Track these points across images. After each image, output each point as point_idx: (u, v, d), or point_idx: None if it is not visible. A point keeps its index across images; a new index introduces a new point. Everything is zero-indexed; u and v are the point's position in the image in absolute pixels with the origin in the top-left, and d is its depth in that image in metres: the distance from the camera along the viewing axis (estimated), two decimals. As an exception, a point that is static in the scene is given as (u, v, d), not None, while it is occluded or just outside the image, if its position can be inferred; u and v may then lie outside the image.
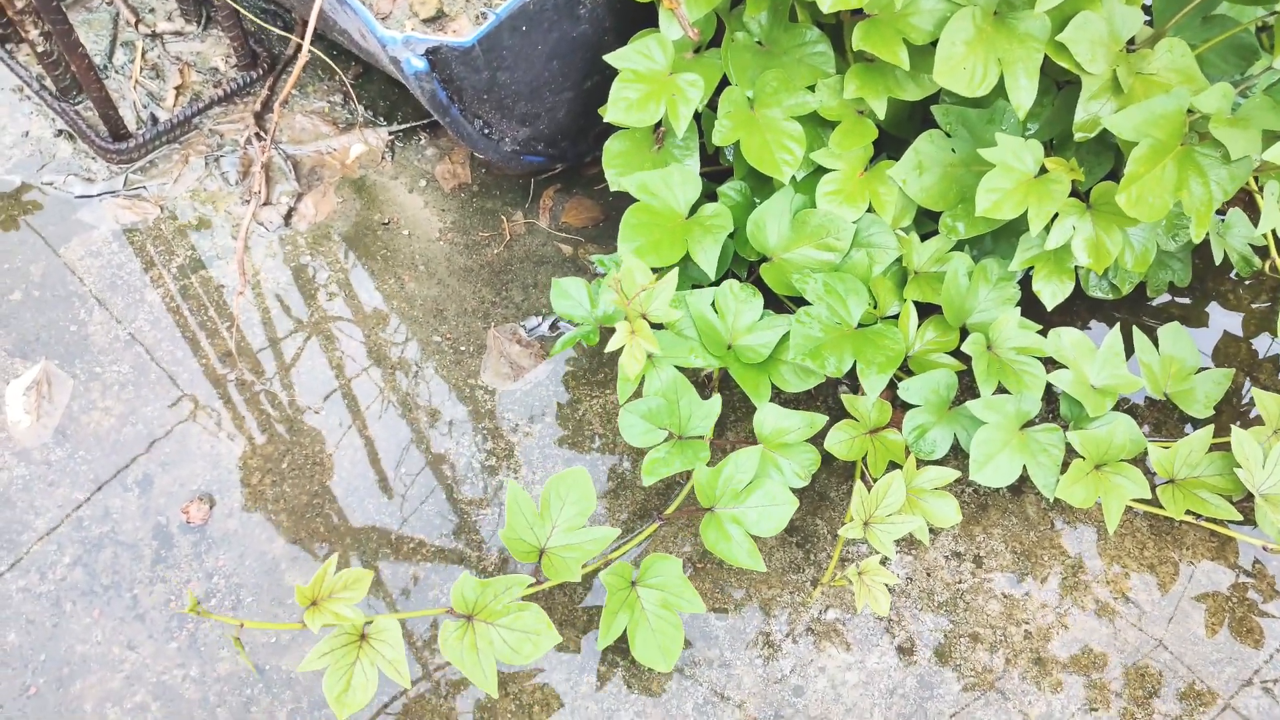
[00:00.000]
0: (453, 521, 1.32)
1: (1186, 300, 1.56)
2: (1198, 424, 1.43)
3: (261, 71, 1.68)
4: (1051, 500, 1.27)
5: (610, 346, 1.16)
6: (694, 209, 1.35)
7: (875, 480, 1.26)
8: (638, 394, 1.31)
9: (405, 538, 1.30)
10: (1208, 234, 1.44)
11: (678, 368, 1.27)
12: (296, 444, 1.36)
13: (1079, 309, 1.54)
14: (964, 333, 1.37)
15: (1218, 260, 1.45)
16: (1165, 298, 1.56)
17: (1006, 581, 1.31)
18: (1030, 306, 1.37)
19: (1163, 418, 1.45)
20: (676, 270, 1.23)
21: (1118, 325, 1.36)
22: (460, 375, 1.44)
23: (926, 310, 1.38)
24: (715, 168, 1.51)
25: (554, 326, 1.49)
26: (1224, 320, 1.54)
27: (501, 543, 1.29)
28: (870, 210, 1.33)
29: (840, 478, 1.38)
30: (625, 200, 1.65)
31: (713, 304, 1.32)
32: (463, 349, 1.47)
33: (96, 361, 1.41)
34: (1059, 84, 1.36)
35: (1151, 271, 1.48)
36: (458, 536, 1.31)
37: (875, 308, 1.35)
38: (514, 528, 1.18)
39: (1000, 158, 1.24)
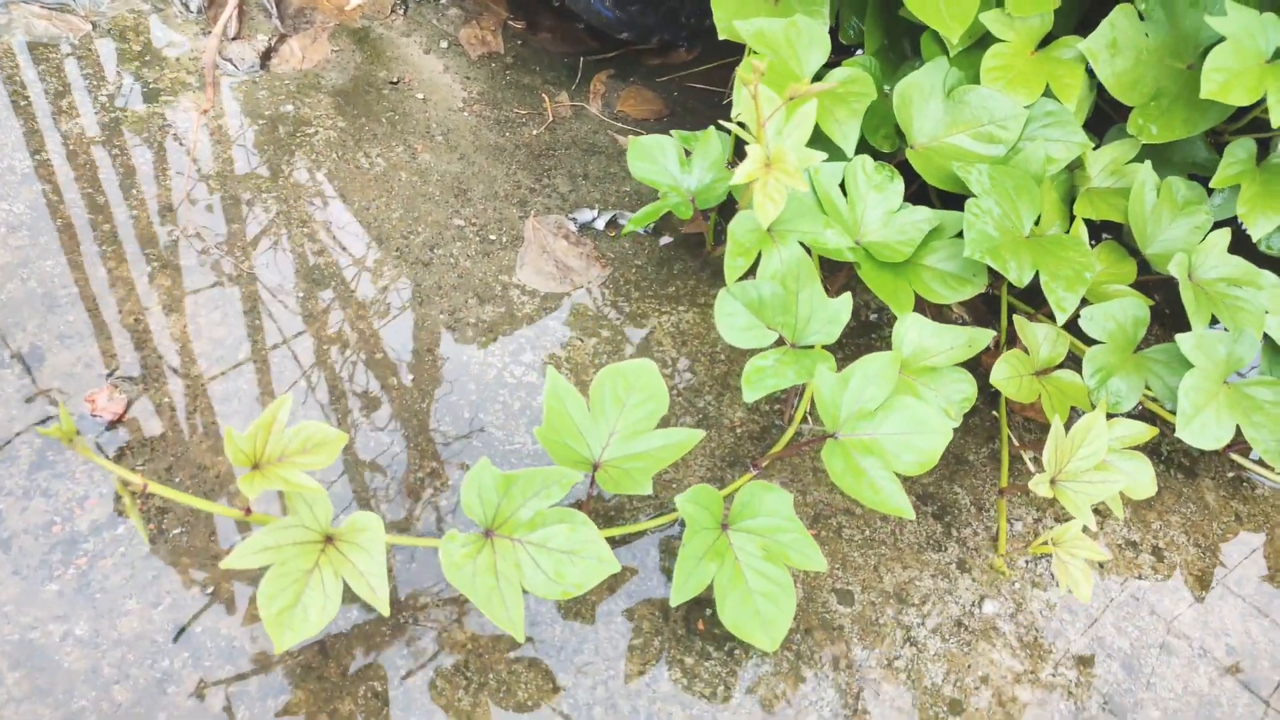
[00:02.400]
0: (479, 449, 0.95)
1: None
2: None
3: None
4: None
5: (736, 179, 0.83)
6: (816, 79, 1.05)
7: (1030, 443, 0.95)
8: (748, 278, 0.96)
9: (414, 463, 0.92)
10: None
11: (804, 247, 0.94)
12: (262, 329, 0.97)
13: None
14: (1141, 265, 1.10)
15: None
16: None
17: (1195, 581, 1.01)
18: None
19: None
20: (815, 102, 0.91)
21: (1321, 274, 1.10)
22: (490, 269, 1.08)
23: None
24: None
25: (612, 223, 1.15)
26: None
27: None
28: (1048, 96, 1.05)
29: (980, 437, 1.07)
30: (692, 95, 1.34)
31: (840, 186, 1.01)
32: (492, 238, 1.11)
33: (-22, 195, 1.00)
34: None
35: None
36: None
37: (1037, 224, 1.06)
38: (556, 429, 0.82)
39: (1231, 30, 0.97)
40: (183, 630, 0.79)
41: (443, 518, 0.89)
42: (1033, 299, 1.14)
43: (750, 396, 0.87)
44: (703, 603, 0.89)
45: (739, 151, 1.23)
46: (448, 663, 0.81)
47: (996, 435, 1.07)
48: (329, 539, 0.70)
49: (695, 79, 1.35)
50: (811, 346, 0.93)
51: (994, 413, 1.09)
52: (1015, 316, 1.00)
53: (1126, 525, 1.04)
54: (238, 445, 0.65)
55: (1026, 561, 0.98)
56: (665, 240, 1.15)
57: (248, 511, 0.68)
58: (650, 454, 0.83)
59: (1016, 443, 1.06)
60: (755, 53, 1.05)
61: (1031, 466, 1.05)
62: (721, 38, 1.04)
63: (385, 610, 0.69)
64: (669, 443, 0.84)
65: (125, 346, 0.93)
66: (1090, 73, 1.09)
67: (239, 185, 1.07)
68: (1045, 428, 1.09)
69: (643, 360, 0.86)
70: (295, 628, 0.66)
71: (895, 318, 1.16)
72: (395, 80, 1.23)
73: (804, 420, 1.03)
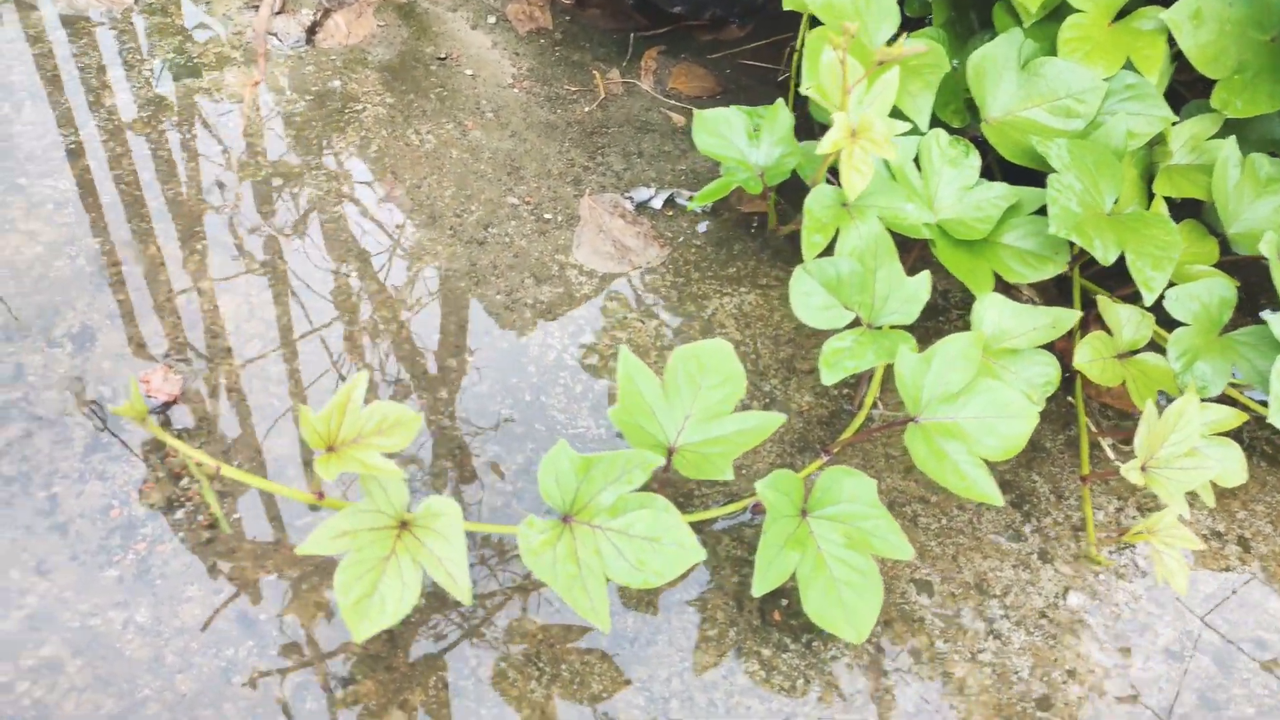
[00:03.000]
0: (543, 433, 0.92)
1: None
2: None
3: None
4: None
5: (822, 148, 0.79)
6: (883, 53, 1.01)
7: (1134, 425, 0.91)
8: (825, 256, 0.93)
9: (476, 448, 0.89)
10: None
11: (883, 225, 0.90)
12: (315, 309, 0.94)
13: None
14: (1223, 246, 1.06)
15: None
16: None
17: (1284, 573, 0.97)
18: None
19: None
20: (898, 70, 0.87)
21: None
22: (546, 249, 1.05)
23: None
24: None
25: (669, 202, 1.12)
26: None
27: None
28: (1127, 68, 1.01)
29: (1056, 424, 1.03)
30: (745, 72, 1.30)
31: (914, 161, 0.97)
32: (548, 217, 1.07)
33: (21, 170, 0.97)
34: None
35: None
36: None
37: (1115, 203, 1.02)
38: (630, 410, 0.78)
39: (1326, -2, 0.93)
40: (246, 618, 0.76)
41: (508, 504, 0.86)
42: (1106, 282, 1.10)
43: (829, 379, 0.84)
44: (778, 593, 0.86)
45: (799, 128, 1.19)
46: (518, 653, 0.78)
47: (1073, 421, 1.03)
48: (404, 525, 0.66)
49: (748, 56, 1.31)
50: (882, 327, 0.89)
51: (1069, 398, 1.05)
52: (1098, 297, 0.96)
53: (1211, 515, 1.00)
54: (313, 426, 0.62)
55: (1109, 552, 0.95)
56: (705, 225, 1.11)
57: (320, 496, 0.65)
58: (728, 438, 0.80)
59: (1095, 429, 1.02)
60: (818, 25, 1.01)
61: (1110, 453, 1.01)
62: (787, 8, 1.01)
63: (467, 599, 0.65)
64: (745, 427, 0.80)
65: (177, 326, 0.90)
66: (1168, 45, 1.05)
67: (288, 161, 1.04)
68: (1123, 414, 1.06)
69: (718, 341, 0.82)
70: (373, 617, 0.63)
71: (964, 299, 1.12)
72: (443, 56, 1.19)
73: (874, 405, 0.99)
